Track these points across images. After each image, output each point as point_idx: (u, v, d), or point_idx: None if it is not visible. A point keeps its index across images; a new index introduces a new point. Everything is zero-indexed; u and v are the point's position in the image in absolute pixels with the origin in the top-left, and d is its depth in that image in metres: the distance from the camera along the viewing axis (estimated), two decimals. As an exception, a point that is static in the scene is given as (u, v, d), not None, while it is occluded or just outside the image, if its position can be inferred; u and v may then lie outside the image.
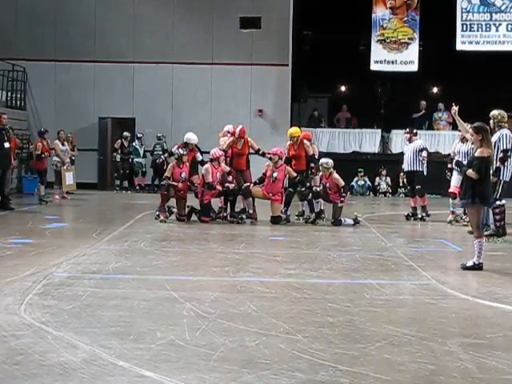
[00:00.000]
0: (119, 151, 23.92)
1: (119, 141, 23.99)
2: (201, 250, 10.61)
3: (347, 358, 5.15)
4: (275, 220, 14.22)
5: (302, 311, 6.61)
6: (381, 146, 26.07)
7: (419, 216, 15.70)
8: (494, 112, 12.26)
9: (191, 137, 15.06)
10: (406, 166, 15.96)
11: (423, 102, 25.92)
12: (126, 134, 24.07)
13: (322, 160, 14.75)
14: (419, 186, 15.61)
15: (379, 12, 25.35)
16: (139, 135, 24.30)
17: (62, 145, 20.71)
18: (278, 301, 7.07)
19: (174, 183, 14.27)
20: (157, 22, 25.09)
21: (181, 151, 14.52)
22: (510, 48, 24.35)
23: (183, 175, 14.47)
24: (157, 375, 4.68)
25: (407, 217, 15.82)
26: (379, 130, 26.15)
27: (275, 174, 14.39)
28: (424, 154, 15.54)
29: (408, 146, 16.10)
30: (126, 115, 25.02)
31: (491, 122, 12.02)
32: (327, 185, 14.44)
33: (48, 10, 24.99)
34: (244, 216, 14.39)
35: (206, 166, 14.36)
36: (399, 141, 25.12)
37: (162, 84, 25.07)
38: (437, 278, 8.46)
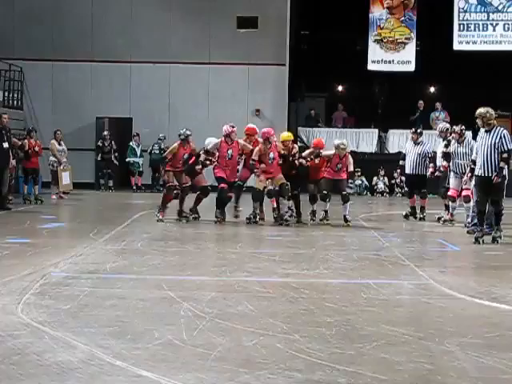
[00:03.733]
0: (100, 151, 23.88)
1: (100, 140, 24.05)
2: (198, 250, 10.62)
3: (344, 357, 5.15)
4: (284, 188, 14.02)
5: (300, 311, 6.61)
6: (378, 146, 26.09)
7: (420, 216, 15.48)
8: (481, 110, 11.83)
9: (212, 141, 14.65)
10: (409, 169, 15.61)
11: (421, 102, 25.91)
12: (104, 133, 24.07)
13: (338, 141, 14.54)
14: (425, 190, 15.50)
15: (376, 12, 25.39)
16: (134, 134, 24.31)
17: (59, 144, 20.69)
18: (275, 300, 7.06)
19: (174, 184, 14.21)
20: (154, 22, 25.07)
21: (188, 132, 14.42)
22: (507, 48, 24.40)
23: (185, 156, 14.33)
24: (154, 375, 4.67)
25: (406, 216, 15.66)
26: (376, 130, 26.16)
27: (271, 155, 14.16)
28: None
29: (413, 147, 15.62)
30: (123, 115, 25.02)
31: (479, 120, 11.78)
32: (339, 165, 14.31)
33: (45, 10, 24.97)
34: (288, 217, 14.17)
35: (218, 140, 14.25)
36: (396, 140, 25.19)
37: (160, 84, 25.06)
38: (434, 277, 8.45)
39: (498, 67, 23.85)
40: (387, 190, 24.80)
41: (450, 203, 14.58)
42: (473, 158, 12.11)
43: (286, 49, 25.11)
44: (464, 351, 5.34)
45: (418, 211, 15.63)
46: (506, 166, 11.67)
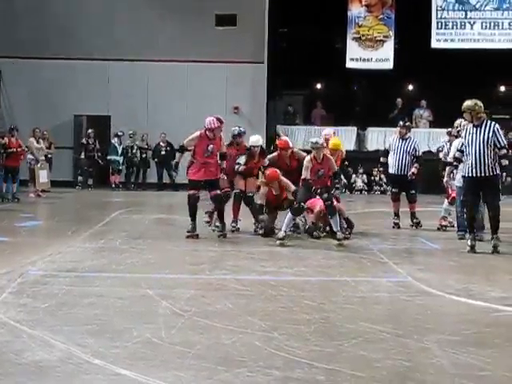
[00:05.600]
0: (84, 148, 23.85)
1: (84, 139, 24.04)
2: (176, 248, 10.59)
3: (323, 355, 5.16)
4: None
5: (278, 309, 6.61)
6: (356, 144, 26.12)
7: (415, 222, 13.89)
8: (469, 103, 10.66)
9: (254, 139, 12.95)
10: (394, 169, 13.81)
11: (399, 100, 25.99)
12: (89, 131, 24.08)
13: (312, 139, 11.82)
14: (414, 191, 13.82)
15: (355, 10, 25.45)
16: (119, 133, 24.25)
17: (37, 142, 20.60)
18: (254, 298, 7.07)
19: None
20: (133, 20, 24.97)
21: (236, 131, 12.96)
22: (484, 46, 24.56)
23: (210, 148, 11.91)
24: (133, 373, 4.67)
25: (397, 225, 13.96)
26: (355, 128, 26.18)
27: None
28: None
29: (400, 144, 13.76)
30: (101, 113, 24.92)
31: (466, 115, 10.71)
32: (321, 171, 11.42)
33: (24, 8, 24.83)
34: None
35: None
36: (375, 138, 25.23)
37: (138, 82, 24.98)
38: (413, 275, 8.48)
39: (476, 65, 23.91)
40: (366, 188, 24.84)
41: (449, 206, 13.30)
42: (457, 155, 11.01)
43: (264, 46, 25.09)
44: (442, 348, 5.37)
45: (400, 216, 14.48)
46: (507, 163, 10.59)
